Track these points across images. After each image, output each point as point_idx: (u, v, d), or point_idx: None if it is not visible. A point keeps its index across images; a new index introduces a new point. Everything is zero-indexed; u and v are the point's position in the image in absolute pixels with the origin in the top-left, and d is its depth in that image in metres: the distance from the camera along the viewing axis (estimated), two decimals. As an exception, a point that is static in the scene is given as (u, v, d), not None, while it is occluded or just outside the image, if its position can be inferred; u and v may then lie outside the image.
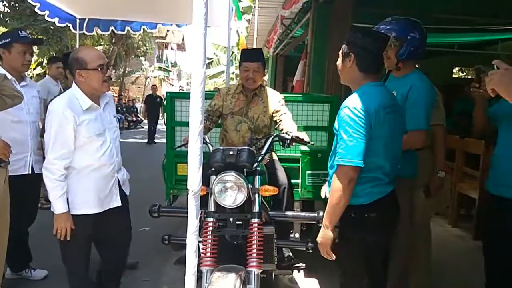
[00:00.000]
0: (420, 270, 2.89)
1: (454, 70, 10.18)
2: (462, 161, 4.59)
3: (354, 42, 1.93)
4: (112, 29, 6.04)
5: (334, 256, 1.93)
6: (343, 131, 1.83)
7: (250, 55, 3.05)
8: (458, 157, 4.59)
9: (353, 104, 1.83)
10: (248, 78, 2.90)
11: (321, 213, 2.32)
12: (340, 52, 2.00)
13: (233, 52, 10.98)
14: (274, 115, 2.95)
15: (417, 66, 2.57)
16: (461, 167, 4.60)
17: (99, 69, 2.29)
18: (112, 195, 2.44)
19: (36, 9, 5.04)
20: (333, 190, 1.85)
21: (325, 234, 1.90)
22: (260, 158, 2.28)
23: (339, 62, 2.01)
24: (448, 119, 2.98)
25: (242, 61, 2.98)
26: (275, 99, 2.99)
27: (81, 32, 5.86)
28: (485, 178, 2.40)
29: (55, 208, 2.25)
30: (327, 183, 2.09)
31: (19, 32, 2.87)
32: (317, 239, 1.95)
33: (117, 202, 2.47)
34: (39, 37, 11.51)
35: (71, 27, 5.76)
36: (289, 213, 2.66)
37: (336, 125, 1.93)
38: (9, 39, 2.78)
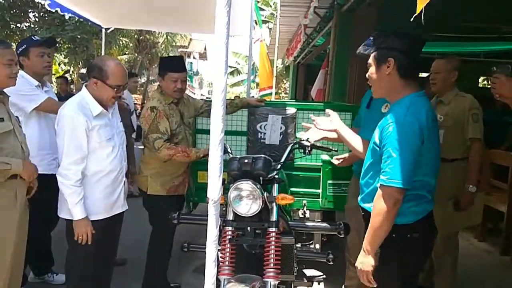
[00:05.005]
0: (444, 284, 2.82)
1: (480, 80, 9.94)
2: (489, 173, 4.45)
3: (391, 46, 1.73)
4: (136, 39, 6.20)
5: (376, 284, 1.77)
6: (391, 149, 1.64)
7: (176, 64, 2.79)
8: (485, 169, 4.45)
9: (403, 118, 1.65)
10: (176, 89, 2.72)
11: (342, 224, 2.28)
12: (371, 61, 1.79)
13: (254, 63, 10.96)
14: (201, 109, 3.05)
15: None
16: (488, 179, 4.45)
17: (115, 89, 2.30)
18: (120, 200, 2.46)
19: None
20: (375, 212, 1.69)
21: (366, 260, 1.74)
22: (279, 166, 2.26)
23: (372, 71, 1.80)
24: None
25: (167, 71, 2.72)
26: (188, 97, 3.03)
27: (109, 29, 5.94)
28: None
29: (74, 215, 2.23)
30: (359, 198, 1.92)
31: (32, 37, 3.00)
32: (356, 265, 1.80)
33: (124, 207, 2.51)
34: (68, 46, 11.87)
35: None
36: (309, 223, 2.62)
37: (376, 139, 1.75)
38: (25, 46, 2.88)
